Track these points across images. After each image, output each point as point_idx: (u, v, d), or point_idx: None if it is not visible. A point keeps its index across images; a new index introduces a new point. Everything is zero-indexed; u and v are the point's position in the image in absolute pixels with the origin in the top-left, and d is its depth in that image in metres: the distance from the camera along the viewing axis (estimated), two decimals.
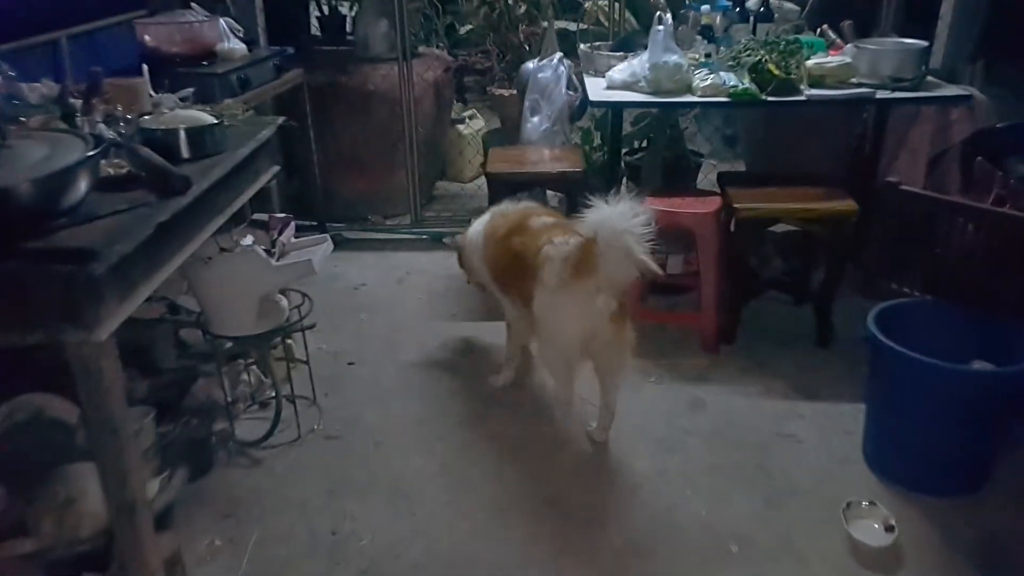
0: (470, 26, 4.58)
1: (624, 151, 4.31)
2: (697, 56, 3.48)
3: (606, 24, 4.07)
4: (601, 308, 2.42)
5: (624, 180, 4.11)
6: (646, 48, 3.52)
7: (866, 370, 2.55)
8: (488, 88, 4.56)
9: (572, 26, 4.23)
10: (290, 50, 3.86)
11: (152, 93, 2.78)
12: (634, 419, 2.76)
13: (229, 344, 2.67)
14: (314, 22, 4.67)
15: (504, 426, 2.78)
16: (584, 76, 3.72)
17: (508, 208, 2.85)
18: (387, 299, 3.72)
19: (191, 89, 2.90)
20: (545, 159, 3.68)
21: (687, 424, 2.75)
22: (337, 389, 3.02)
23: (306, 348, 2.87)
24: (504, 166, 3.58)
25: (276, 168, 2.81)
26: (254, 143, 2.51)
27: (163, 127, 2.32)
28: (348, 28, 4.49)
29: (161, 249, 1.96)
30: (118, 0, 3.26)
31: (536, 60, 4.06)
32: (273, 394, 2.88)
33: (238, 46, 3.35)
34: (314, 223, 4.24)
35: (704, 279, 3.09)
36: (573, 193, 3.56)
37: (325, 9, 4.45)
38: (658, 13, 3.34)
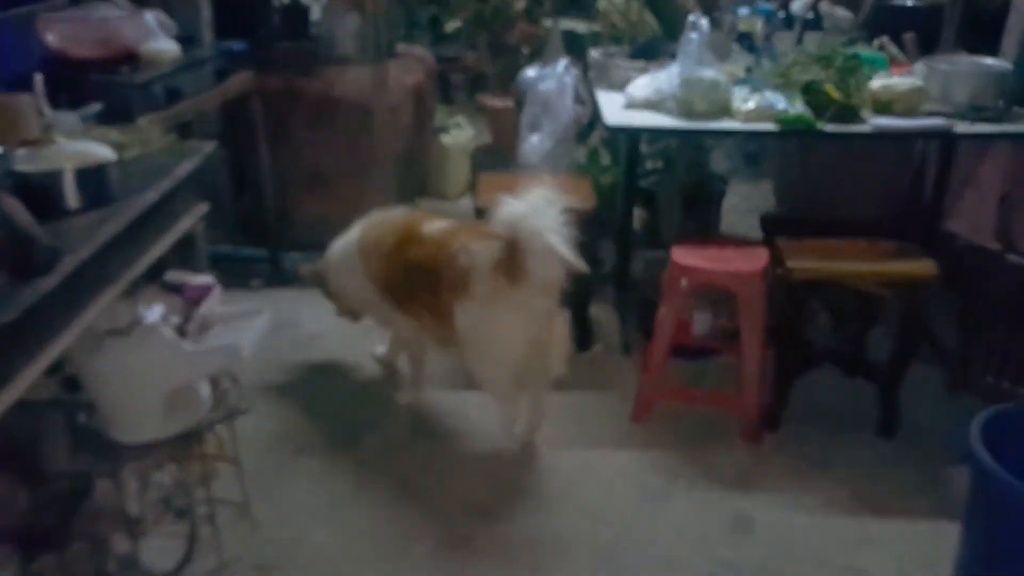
0: (457, 24, 3.98)
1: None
2: (735, 70, 2.91)
3: (621, 27, 3.50)
4: (540, 311, 2.36)
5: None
6: (672, 57, 2.96)
7: (965, 495, 1.99)
8: (479, 97, 3.96)
9: (580, 27, 3.62)
10: (237, 47, 3.23)
11: (46, 111, 2.16)
12: (661, 547, 2.20)
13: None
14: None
15: (501, 545, 2.20)
16: (595, 89, 3.14)
17: (383, 218, 2.68)
18: (350, 355, 3.11)
19: (98, 105, 2.30)
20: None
21: (731, 555, 2.18)
22: (278, 490, 2.42)
23: (234, 440, 2.26)
24: (497, 199, 2.97)
25: (201, 208, 2.21)
26: (169, 182, 1.92)
27: (41, 168, 1.72)
28: (313, 21, 3.85)
29: (16, 345, 1.38)
30: None
31: (537, 67, 3.47)
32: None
33: (168, 46, 2.74)
34: (265, 252, 3.63)
35: (746, 352, 2.52)
36: (580, 236, 2.98)
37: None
38: (690, 17, 2.76)
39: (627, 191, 3.20)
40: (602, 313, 3.37)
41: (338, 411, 2.80)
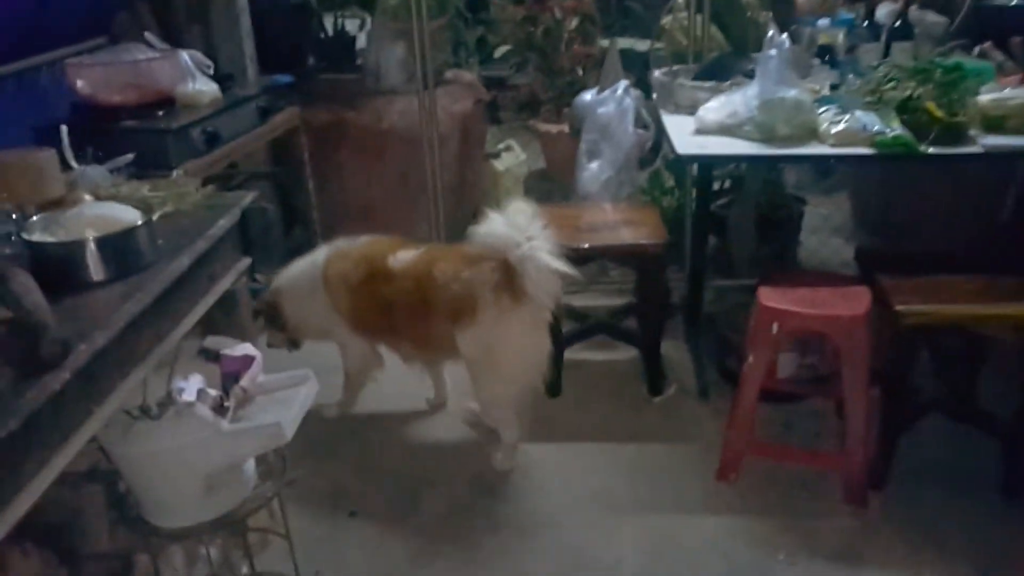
0: (507, 47, 3.78)
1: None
2: (818, 88, 2.64)
3: (684, 42, 3.24)
4: (541, 323, 2.39)
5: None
6: (744, 76, 2.71)
7: None
8: (531, 122, 3.74)
9: (640, 46, 3.38)
10: (283, 81, 3.07)
11: (73, 165, 2.01)
12: None
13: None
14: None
15: None
16: (661, 112, 2.90)
17: (347, 246, 2.58)
18: (408, 404, 2.91)
19: (130, 156, 2.14)
20: (612, 223, 2.85)
21: None
22: (331, 559, 2.21)
23: (283, 510, 2.07)
24: (557, 234, 2.74)
25: (243, 264, 2.02)
26: (204, 243, 1.73)
27: (59, 237, 1.55)
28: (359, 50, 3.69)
29: (23, 450, 1.20)
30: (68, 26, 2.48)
31: (595, 90, 3.24)
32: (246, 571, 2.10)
33: (206, 87, 2.58)
34: None
35: (850, 406, 2.24)
36: (651, 272, 2.74)
37: (329, 29, 3.65)
38: (770, 33, 2.50)
39: (699, 221, 2.95)
40: (672, 350, 3.12)
41: (394, 467, 2.59)
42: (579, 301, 3.39)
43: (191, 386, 1.71)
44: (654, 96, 3.05)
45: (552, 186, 3.59)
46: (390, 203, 3.68)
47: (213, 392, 1.72)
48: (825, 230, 3.87)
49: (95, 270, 1.56)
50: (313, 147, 3.53)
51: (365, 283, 2.46)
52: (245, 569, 2.14)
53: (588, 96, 3.25)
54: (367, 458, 2.65)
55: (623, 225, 2.83)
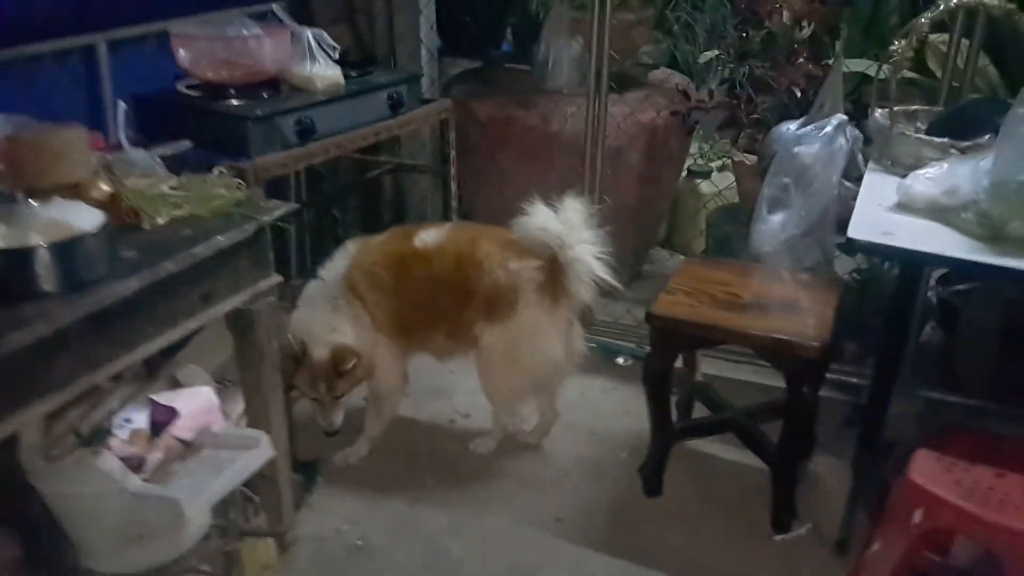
0: (714, 52, 3.17)
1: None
2: None
3: (938, 74, 2.43)
4: (573, 325, 2.39)
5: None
6: (995, 134, 1.95)
7: None
8: (730, 145, 3.15)
9: (878, 71, 2.60)
10: (421, 74, 2.84)
11: (125, 146, 1.90)
12: None
13: None
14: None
15: None
16: (870, 165, 2.22)
17: (362, 245, 2.39)
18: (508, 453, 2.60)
19: (187, 143, 1.99)
20: (770, 300, 2.23)
21: None
22: None
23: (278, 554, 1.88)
24: (686, 305, 2.20)
25: (267, 282, 1.80)
26: (171, 265, 1.51)
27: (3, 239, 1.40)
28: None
29: None
30: None
31: (799, 121, 2.57)
32: None
33: (325, 71, 2.38)
34: None
35: None
36: (796, 381, 2.10)
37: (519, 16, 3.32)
38: None
39: (896, 318, 2.21)
40: (828, 471, 2.45)
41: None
42: (719, 370, 2.81)
43: (138, 420, 1.53)
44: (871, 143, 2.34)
45: (738, 228, 2.96)
46: None
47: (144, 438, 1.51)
48: None
49: (48, 279, 1.39)
50: (476, 143, 3.26)
51: (399, 271, 2.30)
52: None
53: (790, 127, 2.58)
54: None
55: (783, 306, 2.20)
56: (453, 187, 3.01)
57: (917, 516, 1.57)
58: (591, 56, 2.77)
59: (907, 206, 1.91)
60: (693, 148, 4.02)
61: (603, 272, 2.20)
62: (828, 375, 2.71)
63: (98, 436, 1.49)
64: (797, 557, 2.18)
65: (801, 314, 2.13)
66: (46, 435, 1.51)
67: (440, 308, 2.32)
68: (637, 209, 3.43)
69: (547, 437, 2.63)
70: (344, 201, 3.60)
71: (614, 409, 2.82)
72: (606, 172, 3.03)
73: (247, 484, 2.12)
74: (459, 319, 2.32)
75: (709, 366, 2.83)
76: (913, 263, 1.90)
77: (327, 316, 2.28)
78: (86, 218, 1.47)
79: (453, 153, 2.98)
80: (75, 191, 1.65)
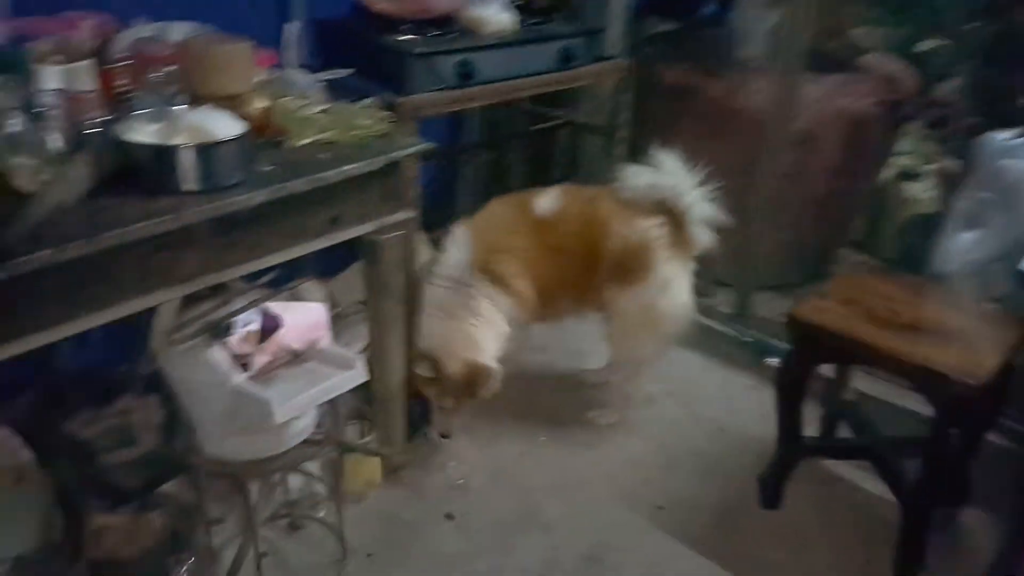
0: (938, 41, 2.79)
1: None
2: None
3: None
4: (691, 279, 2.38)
5: None
6: None
7: None
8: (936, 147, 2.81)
9: None
10: (602, 30, 2.70)
11: (292, 64, 2.01)
12: None
13: None
14: None
15: None
16: None
17: (482, 223, 2.28)
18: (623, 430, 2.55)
19: (349, 71, 2.06)
20: (937, 326, 1.96)
21: None
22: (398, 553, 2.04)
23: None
24: (836, 313, 2.00)
25: (397, 216, 1.86)
26: (299, 184, 1.61)
27: (147, 137, 1.53)
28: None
29: None
30: None
31: (1017, 131, 2.24)
32: (321, 513, 2.05)
33: (497, 15, 2.37)
34: None
35: None
36: (944, 417, 1.86)
37: None
38: None
39: None
40: (980, 527, 2.19)
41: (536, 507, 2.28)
42: (879, 392, 2.55)
43: (241, 326, 1.63)
44: None
45: (931, 242, 2.63)
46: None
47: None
48: None
49: (189, 177, 1.50)
50: (657, 109, 3.12)
51: (530, 245, 2.21)
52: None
53: (1004, 137, 2.25)
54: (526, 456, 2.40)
55: (946, 334, 1.94)
56: (620, 150, 2.92)
57: None
58: (788, 27, 2.55)
59: None
60: (907, 146, 3.64)
61: (718, 213, 2.25)
62: (1008, 422, 2.42)
63: (220, 331, 1.59)
64: None
65: (965, 346, 1.87)
66: (176, 322, 1.65)
67: (570, 276, 2.28)
68: (824, 203, 3.17)
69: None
70: (518, 151, 3.61)
71: (751, 410, 2.65)
72: (791, 158, 2.82)
73: (365, 405, 2.26)
74: (588, 284, 2.28)
75: (868, 385, 2.60)
76: None
77: (464, 328, 2.16)
78: (229, 127, 1.56)
79: (626, 115, 2.89)
80: (233, 102, 1.75)
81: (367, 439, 2.29)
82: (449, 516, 2.18)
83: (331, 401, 1.88)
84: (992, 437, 2.36)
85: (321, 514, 2.09)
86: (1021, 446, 2.36)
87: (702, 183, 2.25)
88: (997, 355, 1.85)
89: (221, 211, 1.50)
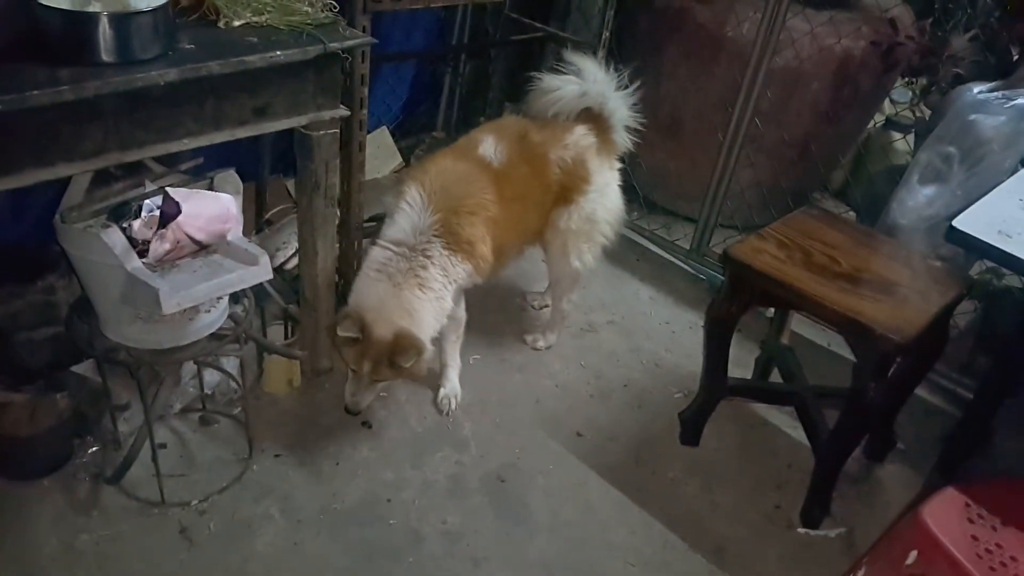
0: None
1: None
2: None
3: None
4: None
5: None
6: None
7: None
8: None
9: None
10: None
11: None
12: None
13: None
14: None
15: None
16: None
17: (438, 182, 2.03)
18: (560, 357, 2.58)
19: None
20: (865, 278, 1.96)
21: None
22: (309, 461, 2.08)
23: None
24: (771, 255, 1.98)
25: (333, 112, 1.83)
26: (215, 66, 1.59)
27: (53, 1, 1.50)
28: None
29: None
30: None
31: (992, 85, 2.18)
32: (236, 410, 2.09)
33: None
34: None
35: None
36: (866, 370, 1.87)
37: None
38: None
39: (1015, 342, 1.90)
40: (898, 481, 2.24)
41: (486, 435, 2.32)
42: (821, 338, 2.58)
43: (149, 206, 1.61)
44: None
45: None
46: (701, 126, 3.07)
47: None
48: None
49: (82, 46, 1.46)
50: (645, 31, 3.06)
51: (491, 198, 2.06)
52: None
53: (979, 90, 2.19)
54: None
55: (881, 288, 1.93)
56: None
57: (911, 558, 1.39)
58: None
59: None
60: (902, 96, 3.55)
61: (634, 117, 2.35)
62: (943, 382, 2.44)
63: (119, 213, 1.58)
64: (809, 558, 2.01)
65: (898, 301, 1.87)
66: (83, 200, 1.64)
67: (526, 223, 2.24)
68: (804, 146, 3.12)
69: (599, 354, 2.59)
70: (501, 62, 3.54)
71: (692, 347, 2.67)
72: (772, 95, 2.76)
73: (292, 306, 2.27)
74: (541, 223, 2.29)
75: (814, 332, 2.63)
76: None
77: (405, 295, 1.95)
78: (148, 1, 1.52)
79: (607, 34, 2.81)
80: None
81: (289, 341, 2.30)
82: (366, 424, 2.21)
83: (251, 298, 1.91)
84: (924, 394, 2.40)
85: (236, 411, 2.12)
86: (951, 404, 2.39)
87: (622, 86, 2.31)
88: (929, 313, 1.85)
89: (128, 86, 1.46)
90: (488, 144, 2.14)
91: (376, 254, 2.00)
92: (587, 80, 2.26)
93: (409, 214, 1.99)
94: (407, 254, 1.97)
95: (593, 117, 2.29)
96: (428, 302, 1.97)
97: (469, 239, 2.01)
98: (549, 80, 2.27)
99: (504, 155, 2.13)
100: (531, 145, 2.20)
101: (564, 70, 2.27)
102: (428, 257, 1.97)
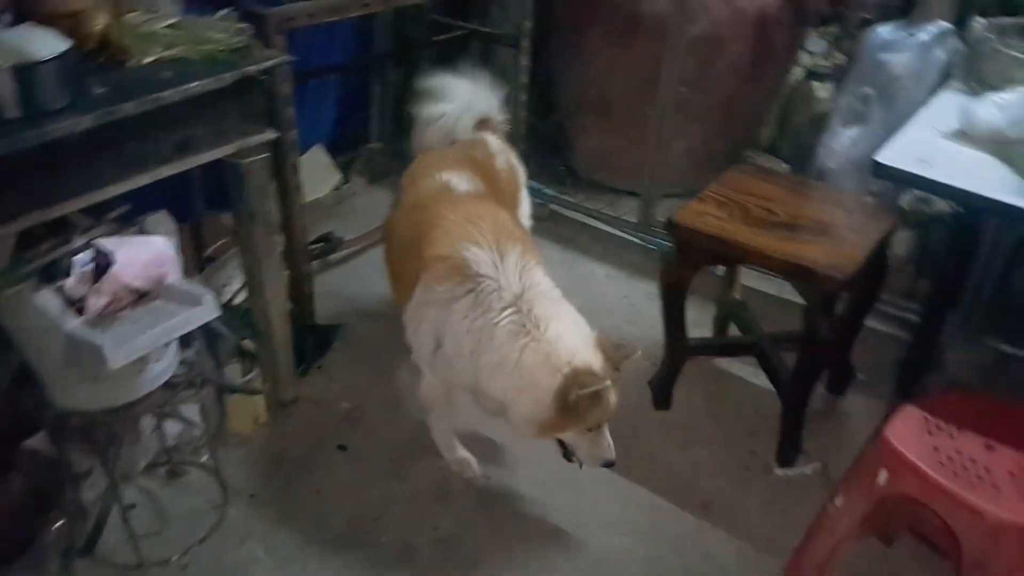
0: None
1: None
2: None
3: None
4: None
5: None
6: None
7: None
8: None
9: None
10: None
11: None
12: None
13: None
14: None
15: None
16: (952, 80, 1.95)
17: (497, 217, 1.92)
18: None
19: None
20: (802, 224, 2.02)
21: None
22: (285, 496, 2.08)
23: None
24: (712, 217, 2.04)
25: (259, 137, 1.81)
26: (131, 106, 1.57)
27: None
28: None
29: None
30: None
31: (898, 25, 2.26)
32: (204, 457, 2.06)
33: None
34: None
35: None
36: (815, 310, 1.94)
37: None
38: None
39: (951, 262, 1.98)
40: (862, 409, 2.33)
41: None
42: (772, 288, 2.64)
43: (80, 263, 1.57)
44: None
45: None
46: (631, 102, 3.11)
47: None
48: None
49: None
50: (561, 18, 3.10)
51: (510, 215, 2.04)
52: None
53: (885, 31, 2.27)
54: None
55: (818, 230, 2.00)
56: (524, 62, 2.89)
57: (882, 477, 1.45)
58: None
59: (966, 134, 1.67)
60: (817, 46, 3.65)
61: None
62: (891, 311, 2.52)
63: (54, 272, 1.55)
64: (791, 497, 2.08)
65: (835, 241, 1.94)
66: (9, 266, 1.59)
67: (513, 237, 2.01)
68: (730, 108, 3.19)
69: None
70: (429, 65, 3.54)
71: (653, 317, 2.69)
72: (693, 62, 2.81)
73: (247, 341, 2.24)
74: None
75: (763, 283, 2.69)
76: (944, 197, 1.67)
77: (550, 333, 1.74)
78: (51, 47, 1.49)
79: (528, 24, 2.84)
80: (73, 20, 1.67)
81: (249, 376, 2.27)
82: (341, 447, 2.21)
83: (201, 340, 1.88)
84: (875, 324, 2.48)
85: (203, 459, 2.09)
86: (902, 330, 2.47)
87: (489, 86, 2.33)
88: (865, 248, 1.92)
89: (40, 139, 1.44)
90: (451, 177, 2.03)
91: (499, 334, 1.73)
92: (459, 96, 2.27)
93: (490, 276, 1.77)
94: (515, 303, 1.75)
95: (483, 124, 2.32)
96: (567, 316, 1.81)
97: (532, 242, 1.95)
98: (427, 112, 2.26)
99: (472, 181, 2.05)
100: (478, 164, 2.15)
101: (433, 98, 2.26)
102: (533, 287, 1.79)
